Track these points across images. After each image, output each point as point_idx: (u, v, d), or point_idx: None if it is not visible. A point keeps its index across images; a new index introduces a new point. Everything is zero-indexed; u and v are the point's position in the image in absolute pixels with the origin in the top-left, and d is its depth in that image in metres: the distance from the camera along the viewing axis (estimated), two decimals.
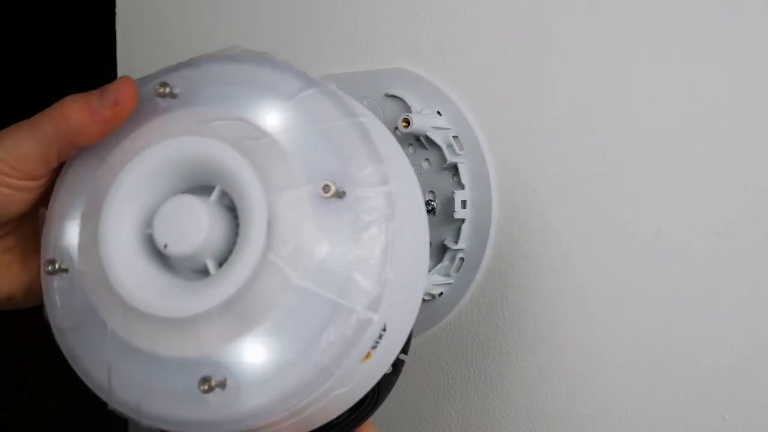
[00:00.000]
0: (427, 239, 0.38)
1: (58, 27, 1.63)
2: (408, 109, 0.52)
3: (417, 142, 0.51)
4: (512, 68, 0.49)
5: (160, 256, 0.37)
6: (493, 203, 0.50)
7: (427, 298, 0.52)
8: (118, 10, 0.68)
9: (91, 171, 0.38)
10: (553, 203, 0.48)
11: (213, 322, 0.34)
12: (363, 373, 0.35)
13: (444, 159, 0.50)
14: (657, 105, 0.45)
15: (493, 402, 0.51)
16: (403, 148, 0.51)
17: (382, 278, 0.33)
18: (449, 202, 0.50)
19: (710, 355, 0.44)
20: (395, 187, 0.34)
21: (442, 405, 0.53)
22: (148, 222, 0.36)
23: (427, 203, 0.51)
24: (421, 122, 0.49)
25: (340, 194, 0.33)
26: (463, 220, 0.50)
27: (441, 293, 0.52)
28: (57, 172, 0.39)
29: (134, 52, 0.67)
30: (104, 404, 0.36)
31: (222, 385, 0.33)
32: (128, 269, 0.36)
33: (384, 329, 0.34)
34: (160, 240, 0.35)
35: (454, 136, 0.50)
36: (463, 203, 0.50)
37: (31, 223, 0.39)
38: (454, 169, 0.50)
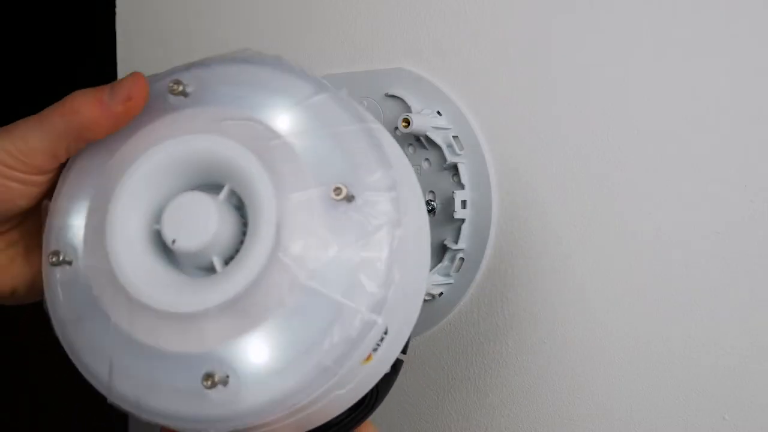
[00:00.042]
0: (429, 244, 0.38)
1: (58, 27, 1.63)
2: (408, 109, 0.52)
3: (417, 142, 0.51)
4: (512, 68, 0.49)
5: (165, 252, 0.37)
6: (493, 203, 0.50)
7: (427, 298, 0.52)
8: (118, 10, 0.68)
9: (99, 164, 0.38)
10: (553, 203, 0.48)
11: (218, 319, 0.34)
12: (362, 375, 0.35)
13: (444, 159, 0.50)
14: (657, 105, 0.45)
15: (493, 402, 0.51)
16: (403, 148, 0.51)
17: (388, 282, 0.34)
18: (449, 202, 0.50)
19: (710, 355, 0.44)
20: (402, 192, 0.35)
21: (442, 405, 0.53)
22: (155, 218, 0.36)
23: (427, 203, 0.51)
24: (421, 122, 0.49)
25: (349, 198, 0.34)
26: (463, 220, 0.50)
27: (441, 293, 0.52)
28: (63, 167, 0.39)
29: (134, 52, 0.67)
30: (104, 405, 0.36)
31: (224, 381, 0.33)
32: (134, 263, 0.36)
33: (386, 332, 0.35)
34: (169, 235, 0.35)
35: (454, 136, 0.51)
36: (463, 203, 0.50)
37: (35, 218, 0.39)
38: (454, 169, 0.50)
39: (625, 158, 0.46)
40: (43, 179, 0.38)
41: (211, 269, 0.36)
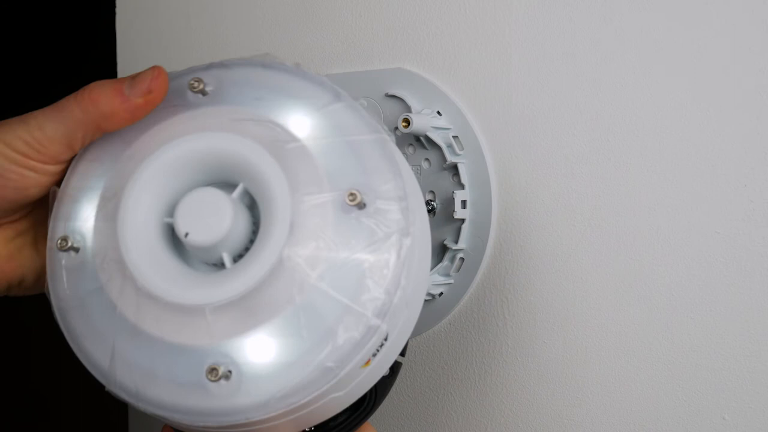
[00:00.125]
0: (430, 255, 0.39)
1: (59, 27, 1.63)
2: (408, 109, 0.52)
3: (417, 142, 0.51)
4: (512, 68, 0.49)
5: (175, 246, 0.38)
6: (493, 203, 0.50)
7: (427, 298, 0.52)
8: (118, 10, 0.68)
9: (114, 155, 0.38)
10: (554, 203, 0.48)
11: (226, 314, 0.35)
12: (360, 379, 0.36)
13: (444, 159, 0.50)
14: (657, 105, 0.45)
15: (493, 402, 0.51)
16: (403, 148, 0.52)
17: (393, 289, 0.35)
18: (449, 202, 0.50)
19: (710, 355, 0.44)
20: (411, 203, 0.36)
21: (442, 405, 0.53)
22: (167, 211, 0.37)
23: (427, 203, 0.51)
24: (421, 122, 0.49)
25: (361, 204, 0.35)
26: (463, 220, 0.50)
27: (441, 293, 0.52)
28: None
29: (134, 52, 0.67)
30: (104, 406, 0.36)
31: (226, 376, 0.34)
32: (144, 254, 0.36)
33: (386, 339, 0.36)
34: (182, 229, 0.36)
35: (454, 136, 0.50)
36: (463, 203, 0.50)
37: (44, 208, 0.40)
38: (454, 169, 0.50)
39: (625, 158, 0.46)
40: (56, 169, 0.38)
41: (219, 265, 0.37)
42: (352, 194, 0.35)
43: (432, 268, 0.51)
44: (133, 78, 0.37)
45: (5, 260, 0.40)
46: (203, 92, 0.38)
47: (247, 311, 0.34)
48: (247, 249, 0.37)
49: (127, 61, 0.67)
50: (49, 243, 0.38)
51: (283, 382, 0.34)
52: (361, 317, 0.34)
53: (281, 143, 0.36)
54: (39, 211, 0.40)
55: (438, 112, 0.51)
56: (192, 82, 0.37)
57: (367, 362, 0.35)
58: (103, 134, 0.38)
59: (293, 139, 0.36)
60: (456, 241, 0.50)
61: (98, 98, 0.36)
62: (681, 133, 0.44)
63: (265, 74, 0.38)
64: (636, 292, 0.46)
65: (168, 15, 0.64)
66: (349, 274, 0.35)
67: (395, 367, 0.40)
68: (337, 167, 0.36)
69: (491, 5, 0.50)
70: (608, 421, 0.47)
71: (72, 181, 0.38)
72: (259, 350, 0.34)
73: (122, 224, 0.36)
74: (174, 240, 0.38)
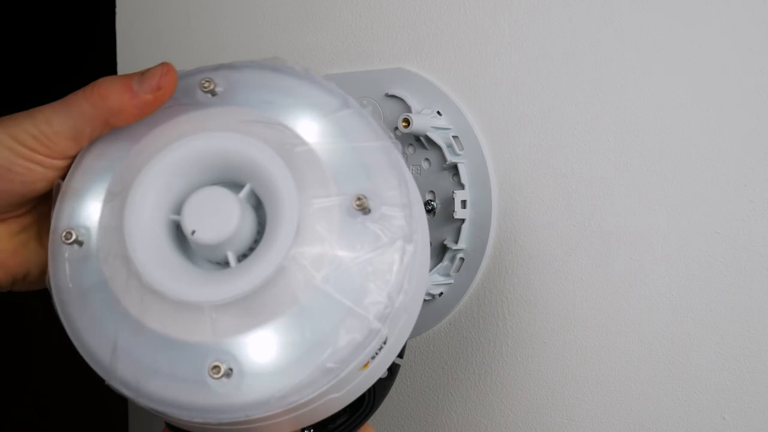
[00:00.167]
0: (429, 263, 0.40)
1: (59, 27, 1.63)
2: (408, 109, 0.52)
3: (417, 142, 0.51)
4: (512, 68, 0.49)
5: (179, 243, 0.38)
6: (493, 203, 0.50)
7: (427, 298, 0.52)
8: (118, 10, 0.68)
9: (120, 151, 0.38)
10: (553, 203, 0.48)
11: (230, 312, 0.35)
12: (358, 380, 0.36)
13: (444, 159, 0.50)
14: (657, 105, 0.45)
15: (493, 402, 0.51)
16: (403, 148, 0.52)
17: (395, 294, 0.35)
18: (449, 202, 0.50)
19: (710, 355, 0.44)
20: (414, 210, 0.36)
21: (442, 405, 0.53)
22: (173, 208, 0.37)
23: (427, 203, 0.51)
24: (421, 122, 0.49)
25: (367, 209, 0.36)
26: (463, 220, 0.50)
27: (441, 293, 0.52)
28: None
29: (134, 52, 0.67)
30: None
31: (228, 373, 0.34)
32: (150, 250, 0.36)
33: (385, 342, 0.36)
34: (189, 226, 0.36)
35: (454, 136, 0.50)
36: (463, 203, 0.50)
37: (48, 202, 0.40)
38: (454, 169, 0.50)
39: (625, 158, 0.46)
40: (63, 164, 0.38)
41: (223, 264, 0.37)
42: (359, 199, 0.35)
43: (432, 268, 0.51)
44: (142, 74, 0.37)
45: (10, 255, 0.40)
46: (213, 92, 0.38)
47: (251, 310, 0.35)
48: (251, 249, 0.37)
49: (127, 61, 0.67)
50: (51, 236, 0.38)
51: (284, 382, 0.34)
52: (363, 320, 0.35)
53: (290, 146, 0.37)
54: (44, 205, 0.40)
55: (438, 112, 0.51)
56: (203, 81, 0.38)
57: (366, 364, 0.36)
58: (110, 130, 0.38)
59: (302, 142, 0.37)
60: (456, 241, 0.50)
61: (107, 93, 0.37)
62: (681, 133, 0.44)
63: (274, 77, 0.39)
64: (636, 292, 0.46)
65: (168, 15, 0.64)
66: (352, 277, 0.35)
67: (393, 369, 0.41)
68: (344, 172, 0.36)
69: (491, 5, 0.50)
70: (608, 421, 0.47)
71: (77, 175, 0.38)
72: (262, 349, 0.35)
73: (129, 220, 0.37)
74: (178, 237, 0.38)
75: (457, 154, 0.50)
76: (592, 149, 0.47)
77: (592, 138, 0.47)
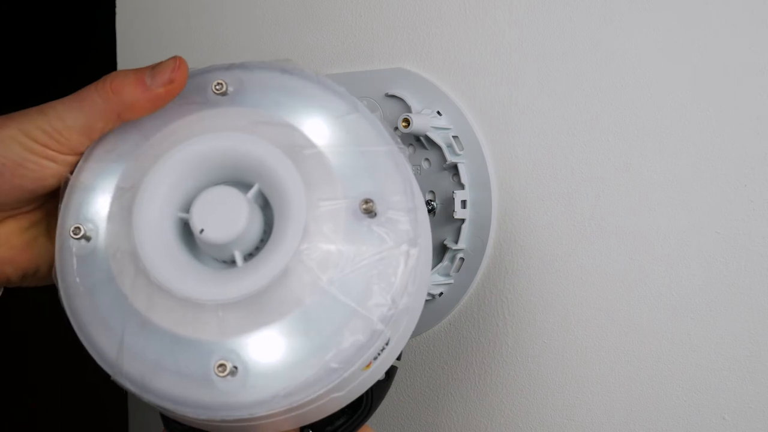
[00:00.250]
0: (431, 264, 0.40)
1: (59, 26, 1.64)
2: (408, 109, 0.52)
3: (417, 142, 0.51)
4: (512, 68, 0.49)
5: (187, 241, 0.38)
6: (493, 203, 0.50)
7: (427, 298, 0.52)
8: (118, 10, 0.68)
9: (130, 146, 0.39)
10: (553, 203, 0.48)
11: (237, 311, 0.35)
12: (360, 380, 0.37)
13: (444, 159, 0.50)
14: (657, 105, 0.45)
15: (493, 402, 0.51)
16: None
17: (399, 296, 0.36)
18: (449, 202, 0.50)
19: (710, 355, 0.44)
20: (419, 215, 0.37)
21: (442, 405, 0.53)
22: (182, 206, 0.38)
23: (427, 203, 0.51)
24: (421, 122, 0.49)
25: (373, 213, 0.36)
26: (463, 220, 0.50)
27: (441, 293, 0.52)
28: None
29: (134, 52, 0.67)
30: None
31: (233, 372, 0.35)
32: (158, 248, 0.37)
33: (387, 343, 0.36)
34: (198, 225, 0.36)
35: (454, 136, 0.50)
36: (463, 203, 0.50)
37: (58, 198, 0.40)
38: (454, 169, 0.50)
39: (625, 158, 0.46)
40: (75, 159, 0.38)
41: (230, 263, 0.38)
42: (366, 202, 0.36)
43: (432, 268, 0.51)
44: (154, 68, 0.37)
45: (20, 250, 0.40)
46: (224, 93, 0.39)
47: (258, 310, 0.35)
48: (257, 248, 0.38)
49: (127, 61, 0.67)
50: (59, 230, 0.38)
51: (288, 381, 0.35)
52: (368, 321, 0.35)
53: (299, 148, 0.37)
54: (54, 201, 0.40)
55: (438, 112, 0.51)
56: (216, 84, 0.38)
57: (368, 365, 0.36)
58: (121, 124, 0.38)
59: (311, 145, 0.37)
60: (456, 241, 0.50)
61: (120, 87, 0.37)
62: (681, 133, 0.44)
63: (285, 79, 0.39)
64: (636, 292, 0.46)
65: (168, 15, 0.64)
66: (357, 279, 0.35)
67: (391, 372, 0.41)
68: (352, 176, 0.37)
69: (491, 5, 0.50)
70: (608, 421, 0.47)
71: (86, 170, 0.38)
72: (267, 348, 0.35)
73: (138, 217, 0.37)
74: (185, 235, 0.38)
75: (457, 154, 0.50)
76: (592, 149, 0.47)
77: (592, 138, 0.47)
